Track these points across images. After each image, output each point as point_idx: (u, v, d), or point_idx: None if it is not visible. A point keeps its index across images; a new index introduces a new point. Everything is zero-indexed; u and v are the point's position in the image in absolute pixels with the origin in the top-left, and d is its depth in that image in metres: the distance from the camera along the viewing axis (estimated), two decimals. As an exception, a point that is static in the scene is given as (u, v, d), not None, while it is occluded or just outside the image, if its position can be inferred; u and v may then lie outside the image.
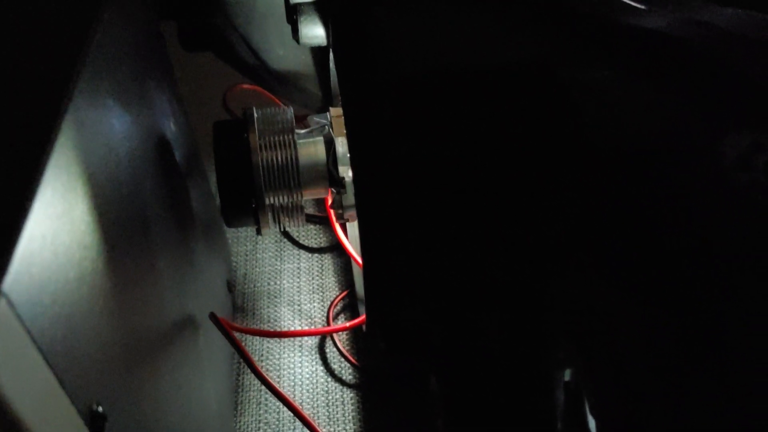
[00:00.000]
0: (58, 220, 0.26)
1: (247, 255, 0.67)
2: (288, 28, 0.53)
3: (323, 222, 0.68)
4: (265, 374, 0.48)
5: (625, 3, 0.34)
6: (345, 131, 0.48)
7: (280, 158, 0.46)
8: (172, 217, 0.45)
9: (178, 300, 0.43)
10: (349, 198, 0.48)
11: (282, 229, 0.51)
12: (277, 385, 0.50)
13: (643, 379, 0.31)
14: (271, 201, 0.46)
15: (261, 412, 0.55)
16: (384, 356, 0.46)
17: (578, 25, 0.35)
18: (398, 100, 0.38)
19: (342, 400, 0.54)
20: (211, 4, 0.57)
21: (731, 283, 0.28)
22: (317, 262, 0.66)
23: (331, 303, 0.61)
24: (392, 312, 0.45)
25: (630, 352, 0.32)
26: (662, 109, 0.31)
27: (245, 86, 0.71)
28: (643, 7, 0.34)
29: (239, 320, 0.61)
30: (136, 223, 0.37)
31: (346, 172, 0.47)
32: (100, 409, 0.27)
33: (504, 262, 0.36)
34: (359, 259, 0.50)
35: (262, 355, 0.58)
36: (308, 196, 0.48)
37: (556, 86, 0.34)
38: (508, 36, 0.36)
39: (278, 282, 0.64)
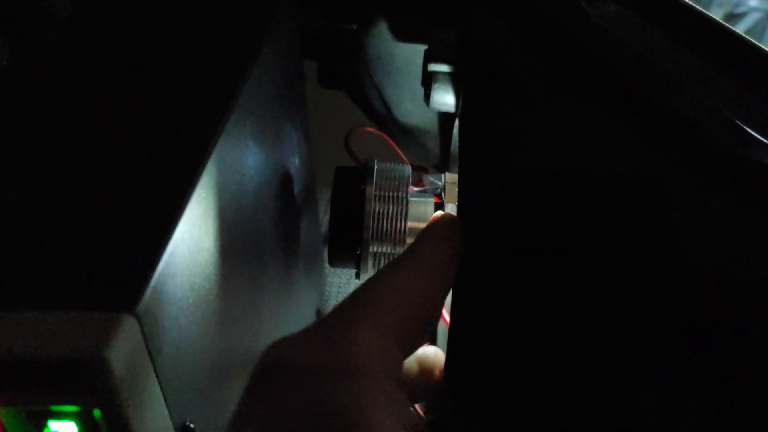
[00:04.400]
0: (190, 252, 0.30)
1: (340, 287, 0.70)
2: (420, 86, 0.56)
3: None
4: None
5: (754, 136, 0.35)
6: (456, 200, 0.50)
7: (390, 212, 0.48)
8: (282, 247, 0.48)
9: (273, 325, 0.46)
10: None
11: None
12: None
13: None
14: (375, 249, 0.49)
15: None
16: (453, 415, 0.47)
17: (700, 148, 0.35)
18: (509, 196, 0.39)
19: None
20: (354, 52, 0.61)
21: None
22: (405, 307, 0.68)
23: (411, 351, 0.63)
24: (469, 377, 0.47)
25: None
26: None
27: (369, 129, 0.75)
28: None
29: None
30: (251, 255, 0.40)
31: (450, 237, 0.49)
32: (192, 425, 0.30)
33: (587, 368, 0.37)
34: (447, 317, 0.52)
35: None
36: (409, 251, 0.50)
37: (666, 209, 0.35)
38: (625, 147, 0.37)
39: (364, 319, 0.67)
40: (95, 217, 0.29)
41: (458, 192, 0.43)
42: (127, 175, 0.31)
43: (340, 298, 0.69)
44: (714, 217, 0.35)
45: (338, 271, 0.72)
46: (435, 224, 0.38)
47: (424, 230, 0.39)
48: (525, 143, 0.39)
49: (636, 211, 0.36)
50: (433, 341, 0.61)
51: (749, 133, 0.35)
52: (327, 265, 0.71)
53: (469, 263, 0.40)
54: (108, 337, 0.23)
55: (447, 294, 0.37)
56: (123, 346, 0.24)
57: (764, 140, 0.35)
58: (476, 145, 0.42)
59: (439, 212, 0.45)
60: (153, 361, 0.26)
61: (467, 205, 0.41)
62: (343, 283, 0.71)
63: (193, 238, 0.30)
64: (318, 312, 0.64)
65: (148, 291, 0.25)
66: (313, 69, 0.67)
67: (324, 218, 0.75)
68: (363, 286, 0.33)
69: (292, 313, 0.53)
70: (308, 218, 0.58)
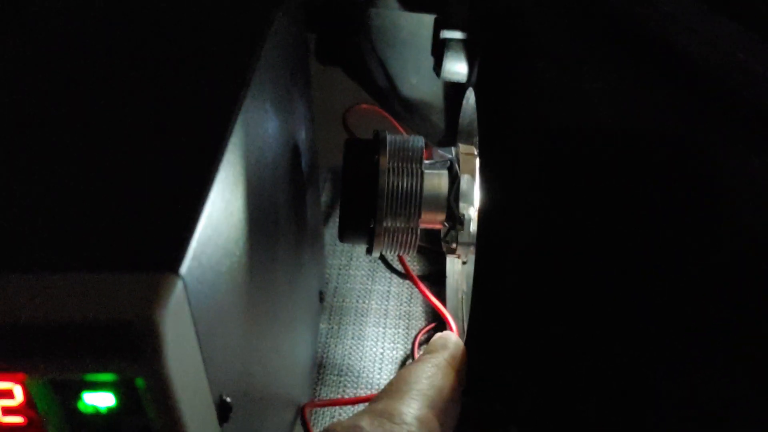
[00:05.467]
0: (223, 213, 0.28)
1: (340, 269, 0.69)
2: (426, 58, 0.54)
3: (428, 252, 0.68)
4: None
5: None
6: (471, 169, 0.49)
7: (405, 184, 0.47)
8: (293, 222, 0.46)
9: (286, 301, 0.45)
10: (464, 235, 0.49)
11: (394, 253, 0.52)
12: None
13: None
14: (389, 224, 0.47)
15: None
16: (469, 406, 0.46)
17: (737, 105, 0.35)
18: (539, 157, 0.38)
19: None
20: (357, 23, 0.59)
21: None
22: (408, 288, 0.66)
23: (418, 332, 0.61)
24: (487, 358, 0.46)
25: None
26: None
27: (367, 106, 0.73)
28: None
29: (324, 332, 0.62)
30: (270, 224, 0.38)
31: (466, 209, 0.48)
32: (228, 399, 0.28)
33: (621, 350, 0.36)
34: (452, 323, 0.51)
35: (341, 370, 0.59)
36: (422, 226, 0.49)
37: (713, 168, 0.34)
38: (665, 106, 0.36)
39: (367, 302, 0.65)
40: (133, 179, 0.27)
41: (482, 159, 0.42)
42: (161, 138, 0.29)
43: (341, 280, 0.68)
44: (757, 178, 0.34)
45: (338, 252, 0.70)
46: (437, 341, 0.46)
47: (430, 347, 0.46)
48: (562, 105, 0.38)
49: (679, 173, 0.35)
50: (438, 324, 0.60)
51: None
52: (327, 247, 0.70)
53: (495, 244, 0.39)
54: (155, 297, 0.22)
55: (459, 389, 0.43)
56: (170, 308, 0.22)
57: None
58: (503, 111, 0.40)
59: (438, 334, 0.48)
60: (196, 329, 0.24)
61: (494, 171, 0.40)
62: (343, 264, 0.69)
63: (225, 201, 0.28)
64: (321, 293, 0.62)
65: (191, 251, 0.24)
66: (312, 46, 0.66)
67: (322, 197, 0.73)
68: (397, 377, 0.42)
69: (302, 292, 0.51)
70: (313, 196, 0.56)
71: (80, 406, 0.23)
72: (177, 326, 0.22)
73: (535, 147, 0.38)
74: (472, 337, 0.44)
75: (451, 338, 0.46)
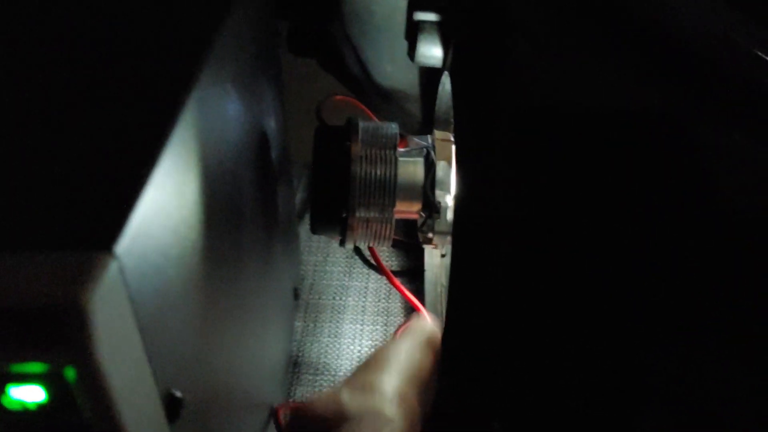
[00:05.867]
0: (173, 193, 0.26)
1: (316, 266, 0.66)
2: (400, 45, 0.52)
3: (403, 246, 0.66)
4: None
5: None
6: (447, 155, 0.47)
7: (379, 172, 0.45)
8: (261, 214, 0.44)
9: (254, 295, 0.43)
10: (441, 224, 0.47)
11: (367, 245, 0.50)
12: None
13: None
14: (362, 214, 0.45)
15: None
16: (444, 394, 0.44)
17: (718, 81, 0.33)
18: (517, 140, 0.36)
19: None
20: (329, 10, 0.57)
21: None
22: (385, 284, 0.64)
23: (397, 329, 0.59)
24: (467, 352, 0.44)
25: None
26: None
27: (341, 97, 0.71)
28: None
29: (300, 329, 0.60)
30: (233, 212, 0.36)
31: (443, 197, 0.46)
32: (179, 393, 0.26)
33: (602, 334, 0.34)
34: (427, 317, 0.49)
35: (317, 369, 0.57)
36: (397, 215, 0.47)
37: (691, 145, 0.32)
38: (642, 82, 0.35)
39: (344, 298, 0.63)
40: (70, 154, 0.25)
41: (458, 144, 0.40)
42: (108, 114, 0.27)
43: (317, 277, 0.65)
44: (737, 151, 0.32)
45: (313, 249, 0.68)
46: (415, 323, 0.46)
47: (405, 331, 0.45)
48: (540, 85, 0.36)
49: (659, 150, 0.34)
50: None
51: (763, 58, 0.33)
52: (302, 243, 0.68)
53: (471, 230, 0.38)
54: (84, 279, 0.19)
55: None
56: (102, 291, 0.20)
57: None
58: (479, 93, 0.38)
59: (415, 316, 0.49)
60: (136, 314, 0.22)
61: (471, 154, 0.38)
62: (319, 261, 0.67)
63: (175, 180, 0.26)
64: (295, 290, 0.60)
65: (129, 229, 0.21)
66: (283, 37, 0.63)
67: (297, 193, 0.71)
68: (376, 352, 0.42)
69: (273, 287, 0.49)
70: (284, 190, 0.54)
71: (5, 401, 0.21)
72: (110, 310, 0.20)
73: (513, 129, 0.37)
74: (449, 324, 0.42)
75: (429, 322, 0.46)
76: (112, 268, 0.20)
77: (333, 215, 0.46)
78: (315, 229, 0.47)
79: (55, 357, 0.20)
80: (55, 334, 0.19)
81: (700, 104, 0.32)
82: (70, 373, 0.20)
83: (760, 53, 0.32)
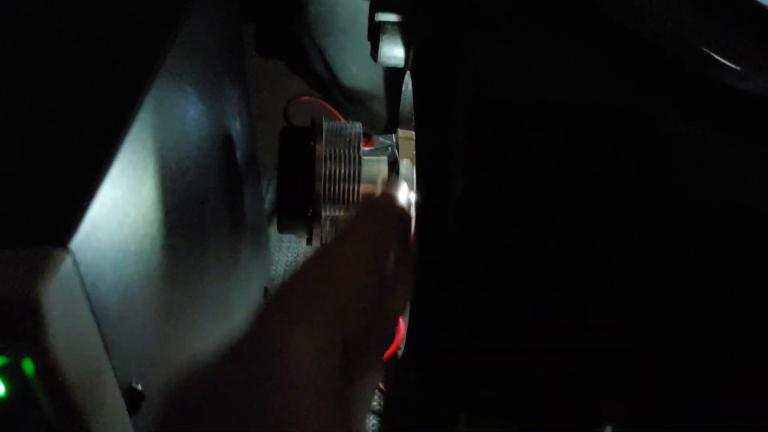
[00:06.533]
0: (129, 190, 0.26)
1: (287, 265, 0.67)
2: (365, 46, 0.53)
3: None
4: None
5: (720, 61, 0.33)
6: (411, 154, 0.47)
7: (343, 171, 0.46)
8: (226, 213, 0.45)
9: (220, 293, 0.43)
10: (405, 221, 0.47)
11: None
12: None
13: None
14: (328, 212, 0.46)
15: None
16: (414, 388, 0.45)
17: (675, 77, 0.34)
18: (474, 138, 0.37)
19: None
20: (293, 12, 0.58)
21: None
22: (356, 283, 0.65)
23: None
24: (436, 344, 0.44)
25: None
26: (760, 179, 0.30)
27: (308, 98, 0.71)
28: (737, 68, 0.33)
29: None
30: (194, 210, 0.37)
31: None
32: (139, 387, 0.26)
33: (571, 323, 0.35)
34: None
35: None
36: (363, 214, 0.47)
37: (653, 137, 0.33)
38: (603, 77, 0.36)
39: (315, 297, 0.64)
40: (27, 152, 0.25)
41: (418, 142, 0.41)
42: (63, 114, 0.27)
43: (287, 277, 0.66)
44: (696, 143, 0.33)
45: (284, 249, 0.69)
46: (373, 200, 0.32)
47: (359, 207, 0.32)
48: (501, 78, 0.37)
49: (618, 142, 0.34)
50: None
51: (713, 56, 0.34)
52: (273, 243, 0.68)
53: (433, 224, 0.38)
54: (39, 273, 0.20)
55: (396, 277, 0.30)
56: (57, 285, 0.20)
57: (726, 62, 0.34)
58: (441, 90, 0.39)
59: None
60: (92, 308, 0.22)
61: (430, 151, 0.38)
62: (290, 261, 0.67)
63: (132, 177, 0.27)
64: (265, 289, 0.60)
65: (84, 225, 0.22)
66: (251, 38, 0.64)
67: (267, 195, 0.71)
68: (289, 279, 0.26)
69: (241, 286, 0.50)
70: (252, 190, 0.54)
71: (-37, 395, 0.21)
72: (66, 304, 0.21)
73: (470, 126, 0.37)
74: (414, 316, 0.42)
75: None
76: (67, 262, 0.21)
77: (299, 214, 0.46)
78: (282, 228, 0.47)
79: (12, 350, 0.20)
80: (11, 327, 0.20)
81: (659, 98, 0.33)
82: (28, 366, 0.21)
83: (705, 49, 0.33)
